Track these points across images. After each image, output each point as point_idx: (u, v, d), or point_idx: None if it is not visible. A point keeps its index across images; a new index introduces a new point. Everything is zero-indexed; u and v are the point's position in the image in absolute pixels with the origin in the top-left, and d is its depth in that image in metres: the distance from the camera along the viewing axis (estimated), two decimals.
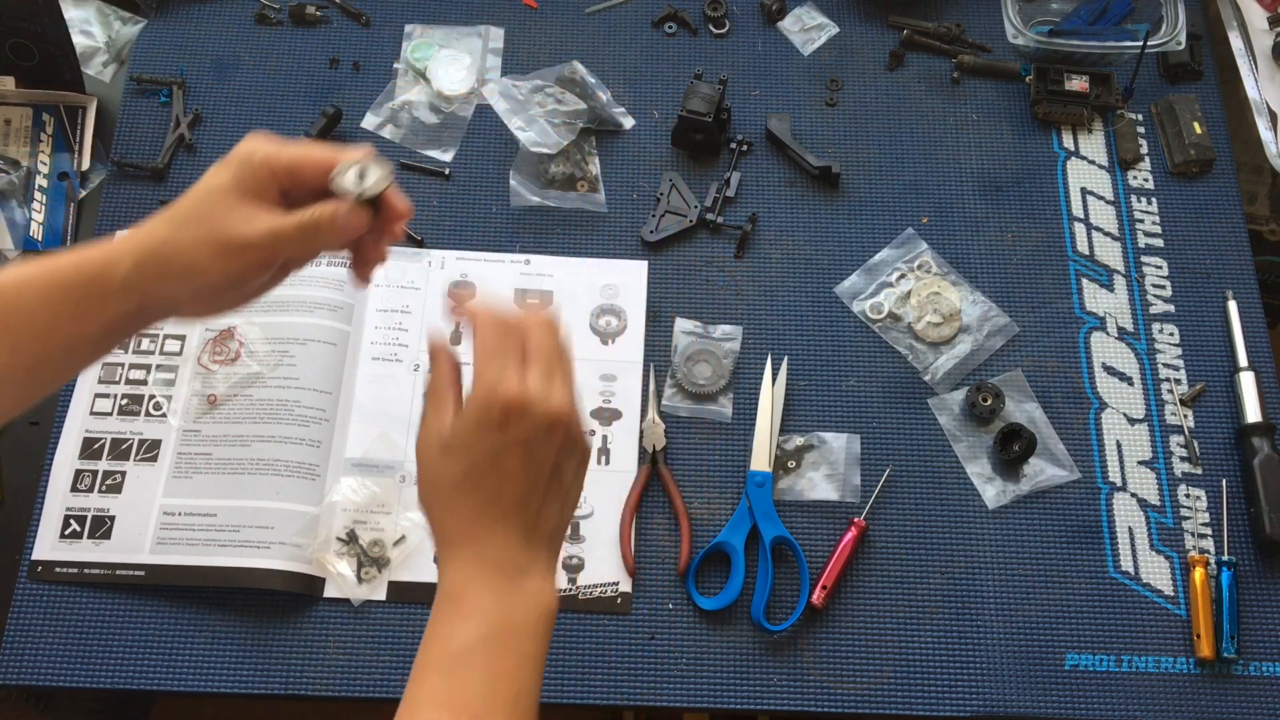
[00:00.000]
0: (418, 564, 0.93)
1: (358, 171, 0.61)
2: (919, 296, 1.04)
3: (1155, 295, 1.06)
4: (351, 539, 0.93)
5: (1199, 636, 0.91)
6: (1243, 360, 1.01)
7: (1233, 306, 1.04)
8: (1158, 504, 0.97)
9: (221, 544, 0.92)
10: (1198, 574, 0.93)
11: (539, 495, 0.59)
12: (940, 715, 0.90)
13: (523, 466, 0.58)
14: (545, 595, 0.59)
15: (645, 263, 1.06)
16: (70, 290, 0.60)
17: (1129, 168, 1.11)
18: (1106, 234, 1.08)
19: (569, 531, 0.94)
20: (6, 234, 1.07)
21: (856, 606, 0.93)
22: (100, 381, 0.99)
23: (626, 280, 1.05)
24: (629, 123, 1.12)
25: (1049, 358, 1.03)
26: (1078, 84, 1.12)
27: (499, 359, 0.58)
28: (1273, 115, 1.12)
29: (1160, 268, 1.07)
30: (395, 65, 1.15)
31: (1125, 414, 1.01)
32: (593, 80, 1.10)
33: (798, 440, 0.99)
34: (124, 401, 0.98)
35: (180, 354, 1.00)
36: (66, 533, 0.93)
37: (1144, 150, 1.12)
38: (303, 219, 0.61)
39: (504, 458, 0.57)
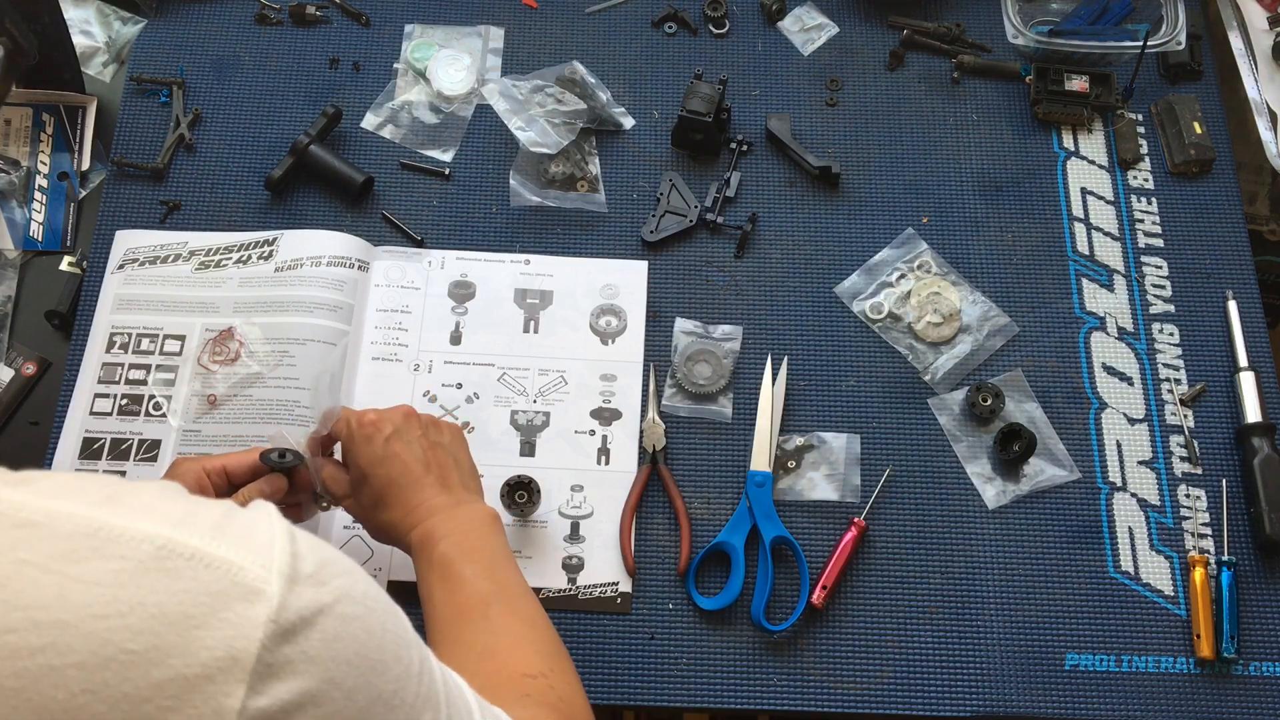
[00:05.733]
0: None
1: (278, 453, 0.81)
2: (919, 296, 1.04)
3: (1155, 295, 1.06)
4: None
5: (1199, 636, 0.91)
6: (1243, 360, 1.01)
7: (1233, 306, 1.04)
8: (1158, 504, 0.97)
9: None
10: (1198, 574, 0.93)
11: (435, 461, 0.82)
12: (940, 715, 0.90)
13: (406, 450, 0.81)
14: (481, 509, 0.80)
15: (645, 263, 1.06)
16: None
17: (1129, 168, 1.11)
18: (1106, 234, 1.08)
19: (570, 531, 0.95)
20: (6, 234, 1.07)
21: (856, 606, 0.93)
22: (100, 381, 0.99)
23: (626, 280, 1.05)
24: (629, 123, 1.12)
25: (1049, 358, 1.03)
26: (1078, 84, 1.12)
27: (349, 418, 0.83)
28: (1273, 115, 1.12)
29: (1160, 268, 1.07)
30: (395, 65, 1.15)
31: (1125, 414, 1.01)
32: (593, 80, 1.10)
33: (798, 440, 0.99)
34: (124, 401, 0.98)
35: (180, 354, 1.00)
36: None
37: (1144, 150, 1.12)
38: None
39: (392, 450, 0.81)
